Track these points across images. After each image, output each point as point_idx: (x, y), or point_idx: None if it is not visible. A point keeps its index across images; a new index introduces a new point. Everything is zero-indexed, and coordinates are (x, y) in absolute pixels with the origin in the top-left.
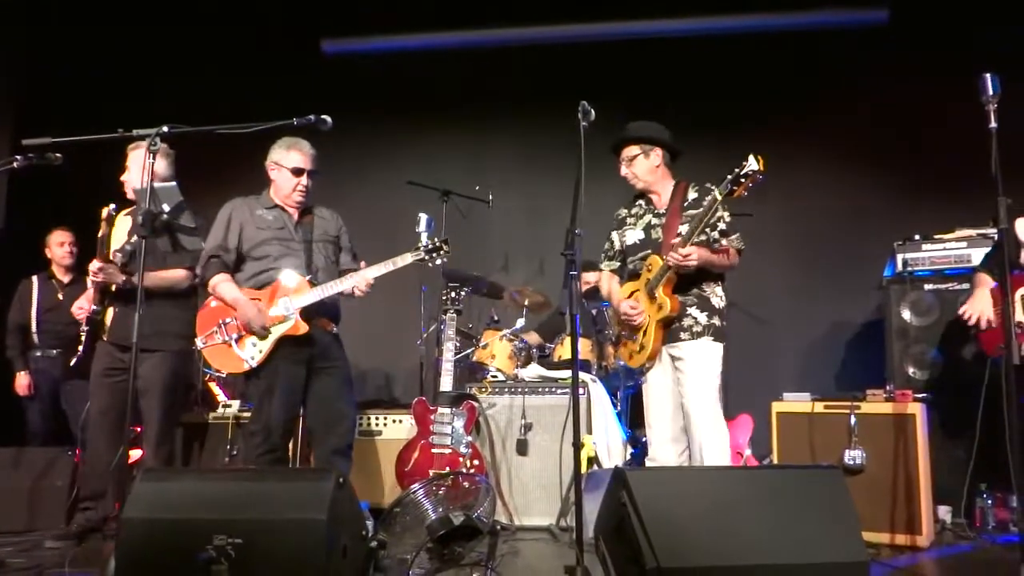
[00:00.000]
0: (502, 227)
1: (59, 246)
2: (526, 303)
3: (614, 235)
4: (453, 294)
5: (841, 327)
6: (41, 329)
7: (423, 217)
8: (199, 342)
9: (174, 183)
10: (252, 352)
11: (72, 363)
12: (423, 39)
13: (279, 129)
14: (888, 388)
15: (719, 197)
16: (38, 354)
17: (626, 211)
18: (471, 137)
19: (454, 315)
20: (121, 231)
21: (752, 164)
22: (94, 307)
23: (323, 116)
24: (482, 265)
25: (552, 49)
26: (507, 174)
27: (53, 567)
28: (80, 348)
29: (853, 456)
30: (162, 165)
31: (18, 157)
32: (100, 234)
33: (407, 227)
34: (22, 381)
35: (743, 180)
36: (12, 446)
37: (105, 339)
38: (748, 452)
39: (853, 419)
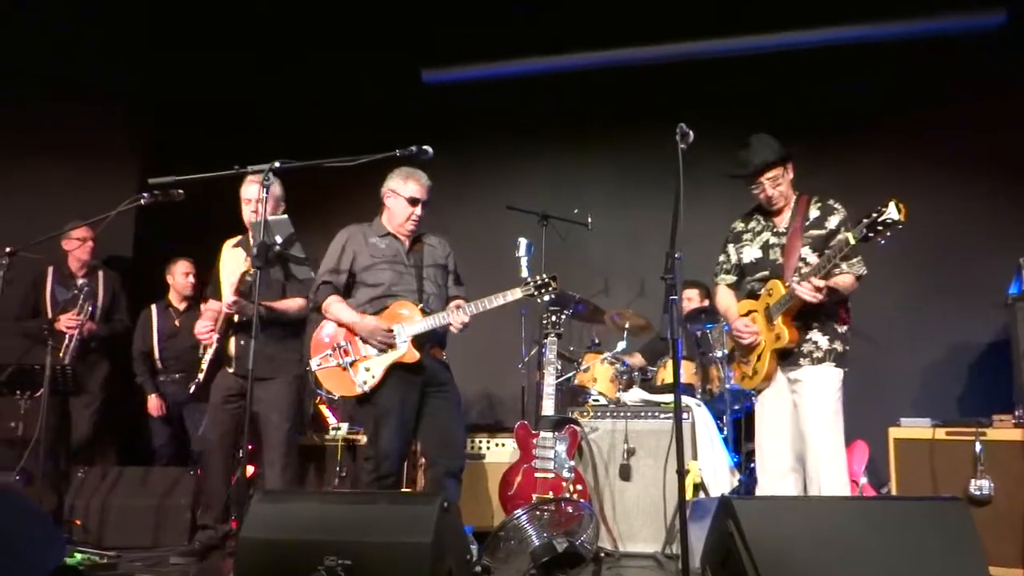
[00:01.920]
0: (601, 250)
1: (184, 275)
2: (627, 326)
3: (731, 248)
4: (554, 318)
5: (962, 348)
6: (163, 356)
7: (522, 242)
8: (314, 363)
9: (286, 216)
10: (365, 377)
11: (192, 390)
12: (520, 65)
13: (382, 161)
14: (1017, 414)
15: (852, 241)
16: (162, 379)
17: (743, 225)
18: (569, 160)
19: (555, 339)
20: (231, 262)
21: (892, 213)
22: (216, 335)
23: (424, 147)
24: (582, 288)
25: (650, 70)
26: (606, 196)
27: None
28: (201, 375)
29: (979, 486)
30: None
31: (145, 194)
32: (243, 271)
33: (507, 252)
34: (154, 403)
35: (879, 228)
36: (140, 466)
37: (231, 370)
38: (864, 480)
39: (979, 446)
